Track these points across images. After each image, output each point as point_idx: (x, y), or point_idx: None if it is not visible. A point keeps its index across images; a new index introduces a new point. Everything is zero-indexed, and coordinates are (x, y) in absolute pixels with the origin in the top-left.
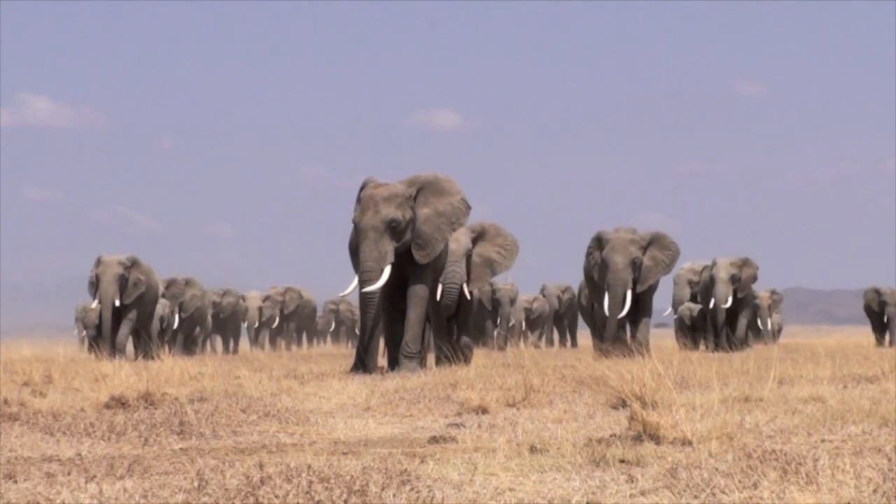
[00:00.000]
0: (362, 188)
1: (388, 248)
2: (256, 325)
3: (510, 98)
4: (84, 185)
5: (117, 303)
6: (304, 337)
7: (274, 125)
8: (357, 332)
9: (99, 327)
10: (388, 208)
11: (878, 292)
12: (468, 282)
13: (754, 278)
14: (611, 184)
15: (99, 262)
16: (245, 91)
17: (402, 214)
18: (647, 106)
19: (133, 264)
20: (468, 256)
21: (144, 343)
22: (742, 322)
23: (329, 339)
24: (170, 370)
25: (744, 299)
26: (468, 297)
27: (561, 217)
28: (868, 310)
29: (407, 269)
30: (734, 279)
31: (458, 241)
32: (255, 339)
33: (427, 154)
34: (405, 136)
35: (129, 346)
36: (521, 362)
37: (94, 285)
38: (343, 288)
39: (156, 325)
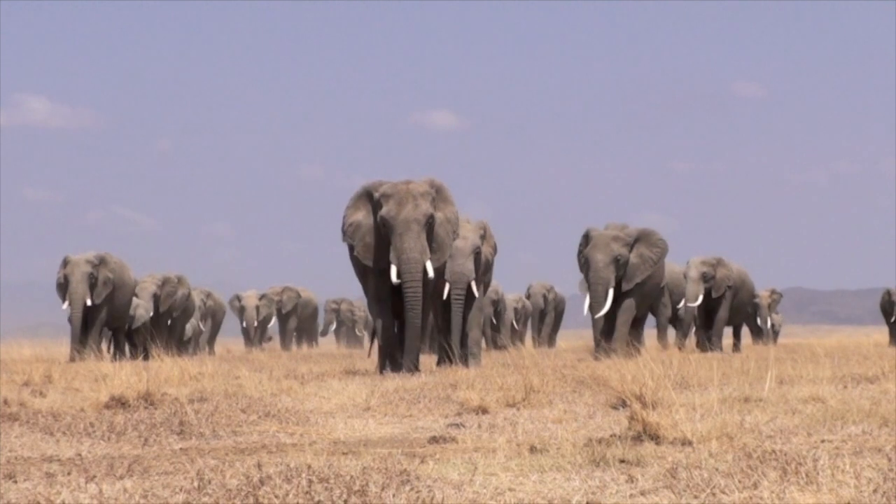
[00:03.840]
0: (373, 187)
1: (426, 243)
2: (255, 324)
3: (507, 98)
4: (82, 186)
5: (88, 303)
6: (304, 337)
7: (272, 125)
8: (357, 332)
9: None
10: (426, 204)
11: None
12: (476, 279)
13: (729, 279)
14: (609, 184)
15: (66, 262)
16: (243, 91)
17: (433, 213)
18: (644, 106)
19: (101, 262)
20: (476, 254)
21: (122, 343)
22: (720, 321)
23: (333, 338)
24: (170, 370)
25: (722, 298)
26: (476, 294)
27: (559, 217)
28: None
29: None
30: (706, 278)
31: (466, 238)
32: (252, 339)
33: (424, 154)
34: (403, 136)
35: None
36: (521, 362)
37: (63, 286)
38: (340, 288)
39: (140, 322)
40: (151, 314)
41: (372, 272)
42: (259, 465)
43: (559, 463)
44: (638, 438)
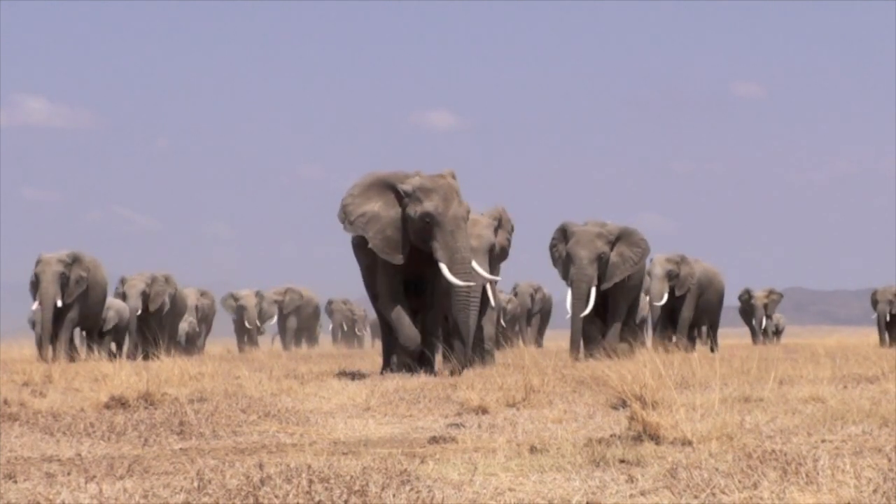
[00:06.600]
0: (396, 178)
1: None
2: (259, 324)
3: (506, 98)
4: (81, 186)
5: (59, 303)
6: (305, 337)
7: (271, 125)
8: (357, 332)
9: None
10: (464, 202)
11: None
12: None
13: (692, 277)
14: (608, 184)
15: (39, 261)
16: (242, 91)
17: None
18: (643, 106)
19: (74, 261)
20: (491, 250)
21: (95, 344)
22: (684, 319)
23: (339, 339)
24: (170, 370)
25: (686, 297)
26: (490, 297)
27: (557, 217)
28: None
29: (425, 268)
30: (671, 276)
31: (481, 236)
32: (253, 339)
33: (423, 154)
34: (402, 136)
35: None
36: (521, 362)
37: (35, 285)
38: (340, 288)
39: (133, 322)
40: (139, 312)
41: (388, 267)
42: (260, 465)
43: (559, 463)
44: (638, 438)
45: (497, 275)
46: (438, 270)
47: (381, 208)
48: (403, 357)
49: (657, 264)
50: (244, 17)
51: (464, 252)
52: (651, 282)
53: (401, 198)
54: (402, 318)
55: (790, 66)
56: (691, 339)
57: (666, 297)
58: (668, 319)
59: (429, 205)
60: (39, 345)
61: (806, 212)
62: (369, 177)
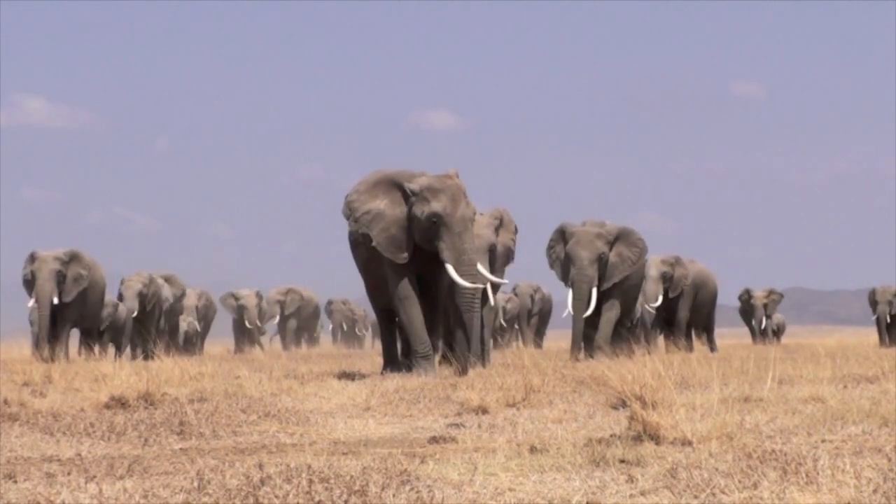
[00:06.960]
0: (402, 177)
1: None
2: (259, 324)
3: (506, 98)
4: (81, 186)
5: (55, 300)
6: (305, 337)
7: (271, 126)
8: (359, 332)
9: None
10: (471, 202)
11: None
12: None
13: (686, 278)
14: (607, 184)
15: (34, 259)
16: (242, 91)
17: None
18: (642, 106)
19: (72, 259)
20: (491, 250)
21: (92, 344)
22: (681, 319)
23: (339, 339)
24: (170, 370)
25: (680, 298)
26: (489, 298)
27: (557, 218)
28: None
29: (427, 268)
30: (665, 277)
31: (480, 235)
32: (254, 339)
33: (423, 154)
34: (401, 136)
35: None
36: (520, 362)
37: (30, 283)
38: (340, 288)
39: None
40: (135, 314)
41: (398, 267)
42: (260, 465)
43: (559, 463)
44: (638, 438)
45: (502, 276)
46: (441, 270)
47: (387, 206)
48: (423, 362)
49: (652, 266)
50: (244, 17)
51: (470, 254)
52: (646, 283)
53: (407, 197)
54: (416, 321)
55: (790, 66)
56: (689, 340)
57: (661, 298)
58: (664, 321)
59: (437, 205)
60: (37, 343)
61: (806, 212)
62: (376, 174)
